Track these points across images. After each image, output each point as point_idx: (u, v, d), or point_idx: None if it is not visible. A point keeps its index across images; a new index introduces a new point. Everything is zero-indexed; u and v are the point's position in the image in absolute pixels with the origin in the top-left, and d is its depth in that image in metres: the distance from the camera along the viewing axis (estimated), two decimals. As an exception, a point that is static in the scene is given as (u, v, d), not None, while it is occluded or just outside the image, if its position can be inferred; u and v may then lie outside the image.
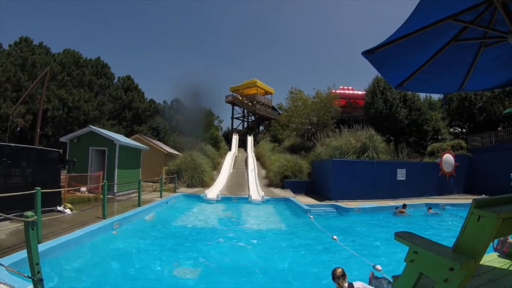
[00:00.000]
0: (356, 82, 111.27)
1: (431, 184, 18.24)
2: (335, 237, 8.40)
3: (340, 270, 4.11)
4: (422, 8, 2.43)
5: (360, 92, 34.29)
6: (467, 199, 15.36)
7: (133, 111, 43.27)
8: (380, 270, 5.50)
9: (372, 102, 27.85)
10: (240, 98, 47.07)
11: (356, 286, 4.06)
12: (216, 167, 27.48)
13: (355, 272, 5.83)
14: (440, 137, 27.63)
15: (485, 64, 3.70)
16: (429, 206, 13.52)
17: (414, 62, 3.62)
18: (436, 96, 32.54)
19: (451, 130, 30.65)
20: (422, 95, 29.36)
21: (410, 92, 26.98)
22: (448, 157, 18.89)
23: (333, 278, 4.09)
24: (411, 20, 2.55)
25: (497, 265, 3.02)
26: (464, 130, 30.17)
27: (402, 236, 2.37)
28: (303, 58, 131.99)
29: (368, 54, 3.10)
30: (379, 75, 27.87)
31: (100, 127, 21.22)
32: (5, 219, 6.24)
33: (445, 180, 18.67)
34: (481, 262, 2.51)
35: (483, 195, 14.27)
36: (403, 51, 3.28)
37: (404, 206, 12.71)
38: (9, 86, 30.70)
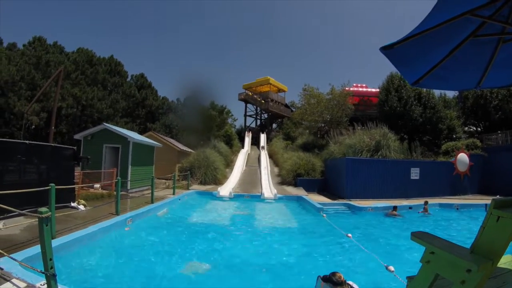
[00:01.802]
0: (369, 80, 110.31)
1: (445, 183, 17.88)
2: (349, 235, 8.37)
3: (341, 275, 3.86)
4: (441, 3, 2.37)
5: (373, 90, 33.82)
6: (481, 200, 15.12)
7: (146, 108, 43.70)
8: (393, 271, 5.44)
9: (386, 100, 27.42)
10: (251, 94, 46.99)
11: (351, 283, 3.99)
12: (229, 164, 27.59)
13: (369, 271, 5.79)
14: (454, 136, 27.11)
15: (503, 61, 3.61)
16: (425, 205, 13.04)
17: (432, 59, 3.54)
18: (451, 94, 32.04)
19: (466, 128, 30.07)
20: (437, 93, 28.86)
21: (424, 90, 26.50)
22: (463, 157, 18.52)
23: (337, 284, 3.77)
24: (431, 15, 2.49)
25: (514, 267, 2.94)
26: (479, 129, 29.55)
27: (418, 236, 2.33)
28: (316, 55, 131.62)
29: (387, 49, 3.04)
30: (394, 72, 27.76)
31: (113, 125, 21.44)
32: (19, 214, 6.33)
33: (459, 180, 18.34)
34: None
35: (498, 196, 13.97)
36: (421, 47, 3.22)
37: (395, 208, 12.44)
38: (23, 84, 31.32)
